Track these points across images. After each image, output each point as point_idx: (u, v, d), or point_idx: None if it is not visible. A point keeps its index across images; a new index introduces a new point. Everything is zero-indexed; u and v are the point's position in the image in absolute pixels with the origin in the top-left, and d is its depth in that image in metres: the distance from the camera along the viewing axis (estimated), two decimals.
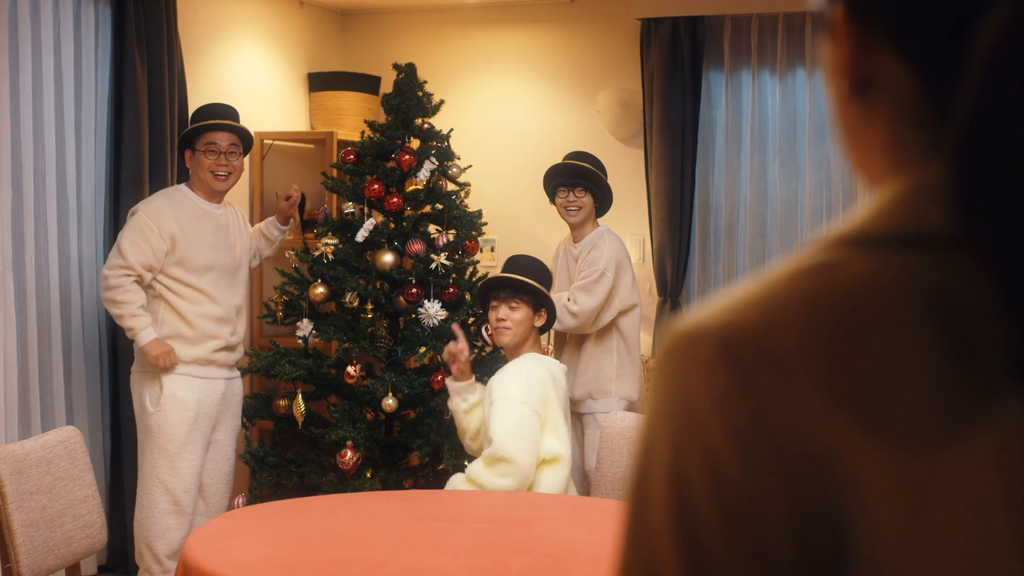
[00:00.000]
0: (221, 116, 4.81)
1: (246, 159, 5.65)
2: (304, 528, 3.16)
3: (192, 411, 4.69)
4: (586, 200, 5.04)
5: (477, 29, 6.63)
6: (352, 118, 6.29)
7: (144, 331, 4.60)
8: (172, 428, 4.65)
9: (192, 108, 5.38)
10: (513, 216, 6.45)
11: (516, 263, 4.36)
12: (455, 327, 4.44)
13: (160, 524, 4.64)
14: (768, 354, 0.68)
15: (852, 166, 0.80)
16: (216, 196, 4.83)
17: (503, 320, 4.20)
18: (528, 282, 4.23)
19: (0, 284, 4.58)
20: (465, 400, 4.34)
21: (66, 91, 4.90)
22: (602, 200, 5.09)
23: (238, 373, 4.98)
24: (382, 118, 5.29)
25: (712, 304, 0.72)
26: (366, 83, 6.43)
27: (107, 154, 5.11)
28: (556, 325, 4.89)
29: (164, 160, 5.19)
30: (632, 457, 0.73)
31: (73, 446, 3.66)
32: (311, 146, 6.38)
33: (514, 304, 4.21)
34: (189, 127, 4.83)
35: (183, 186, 4.83)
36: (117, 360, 5.10)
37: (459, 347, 4.31)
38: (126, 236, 4.60)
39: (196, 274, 4.72)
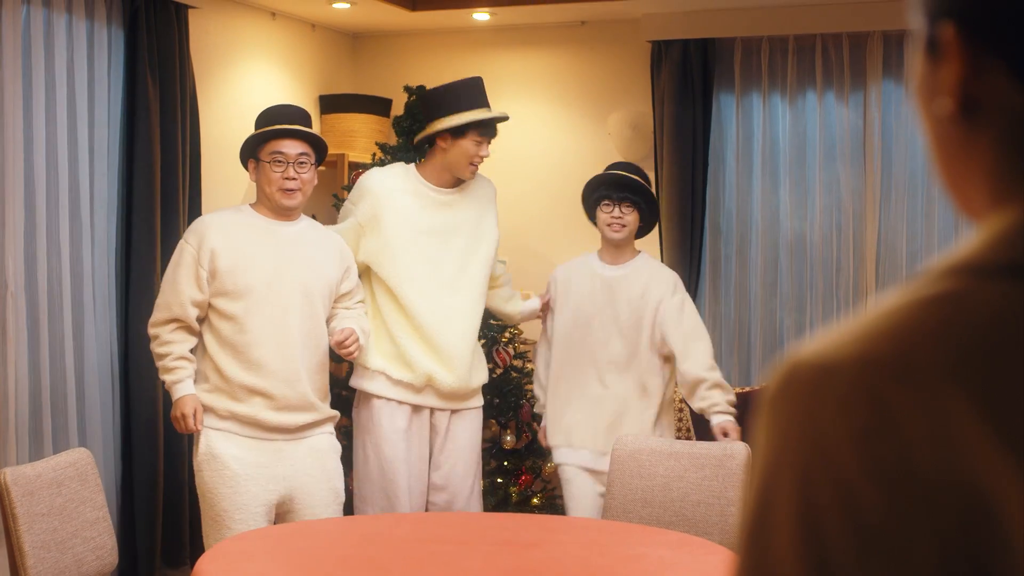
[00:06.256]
0: (289, 120, 4.07)
1: None
2: (315, 551, 3.16)
3: (230, 470, 3.90)
4: (632, 218, 4.44)
5: (488, 51, 6.65)
6: (363, 140, 6.31)
7: (178, 384, 3.91)
8: (211, 492, 3.92)
9: (204, 130, 5.37)
10: (523, 238, 6.45)
11: None
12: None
13: None
14: (911, 384, 0.66)
15: (945, 190, 0.79)
16: (286, 214, 4.07)
17: None
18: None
19: (12, 305, 4.59)
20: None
21: (79, 113, 4.92)
22: (647, 221, 4.53)
23: (325, 430, 4.11)
24: (393, 140, 5.31)
25: (830, 337, 0.70)
26: (377, 105, 6.45)
27: (119, 176, 5.12)
28: (728, 398, 4.26)
29: (176, 182, 5.19)
30: (746, 495, 0.71)
31: (84, 468, 3.66)
32: (322, 168, 6.39)
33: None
34: (253, 133, 4.11)
35: (247, 205, 4.15)
36: (129, 382, 5.09)
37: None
38: (167, 273, 4.05)
39: (241, 302, 3.94)
